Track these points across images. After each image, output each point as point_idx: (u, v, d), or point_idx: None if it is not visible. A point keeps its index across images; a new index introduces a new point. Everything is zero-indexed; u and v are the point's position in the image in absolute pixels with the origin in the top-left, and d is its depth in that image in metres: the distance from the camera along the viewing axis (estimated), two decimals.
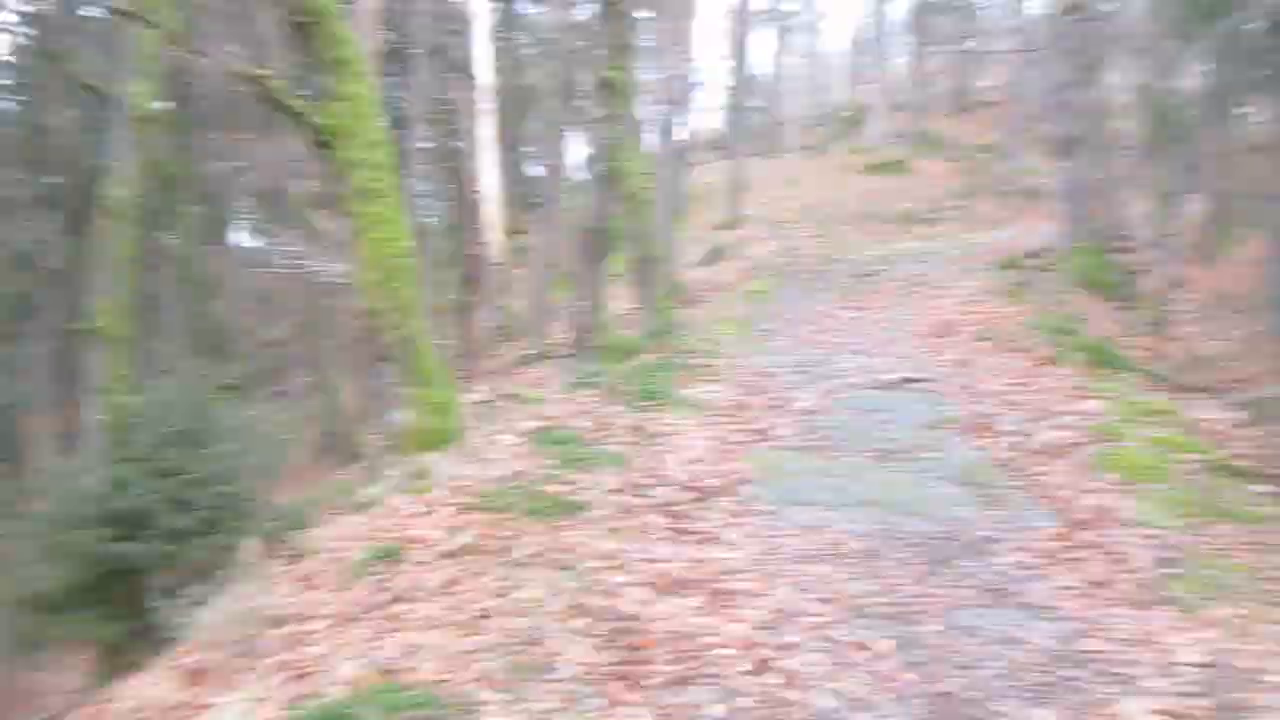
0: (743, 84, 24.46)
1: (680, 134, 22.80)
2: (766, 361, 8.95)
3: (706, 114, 46.24)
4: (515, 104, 28.27)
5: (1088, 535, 5.04)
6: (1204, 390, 8.15)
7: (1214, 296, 17.77)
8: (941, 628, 4.04)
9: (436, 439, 5.79)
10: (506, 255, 21.83)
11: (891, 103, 28.52)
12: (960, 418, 6.99)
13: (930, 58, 30.56)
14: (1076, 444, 6.31)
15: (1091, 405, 6.90)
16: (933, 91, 31.64)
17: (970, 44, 30.03)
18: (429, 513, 5.05)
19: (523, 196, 35.26)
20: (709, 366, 8.37)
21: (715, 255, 20.75)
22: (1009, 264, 14.05)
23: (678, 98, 17.82)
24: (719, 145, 35.29)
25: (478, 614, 3.95)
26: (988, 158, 27.46)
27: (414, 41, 15.47)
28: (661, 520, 5.11)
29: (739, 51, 25.37)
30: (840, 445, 6.48)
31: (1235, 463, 6.03)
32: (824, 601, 4.29)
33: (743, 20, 24.74)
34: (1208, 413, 7.14)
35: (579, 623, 3.88)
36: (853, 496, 5.52)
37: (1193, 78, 15.69)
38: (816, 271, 16.27)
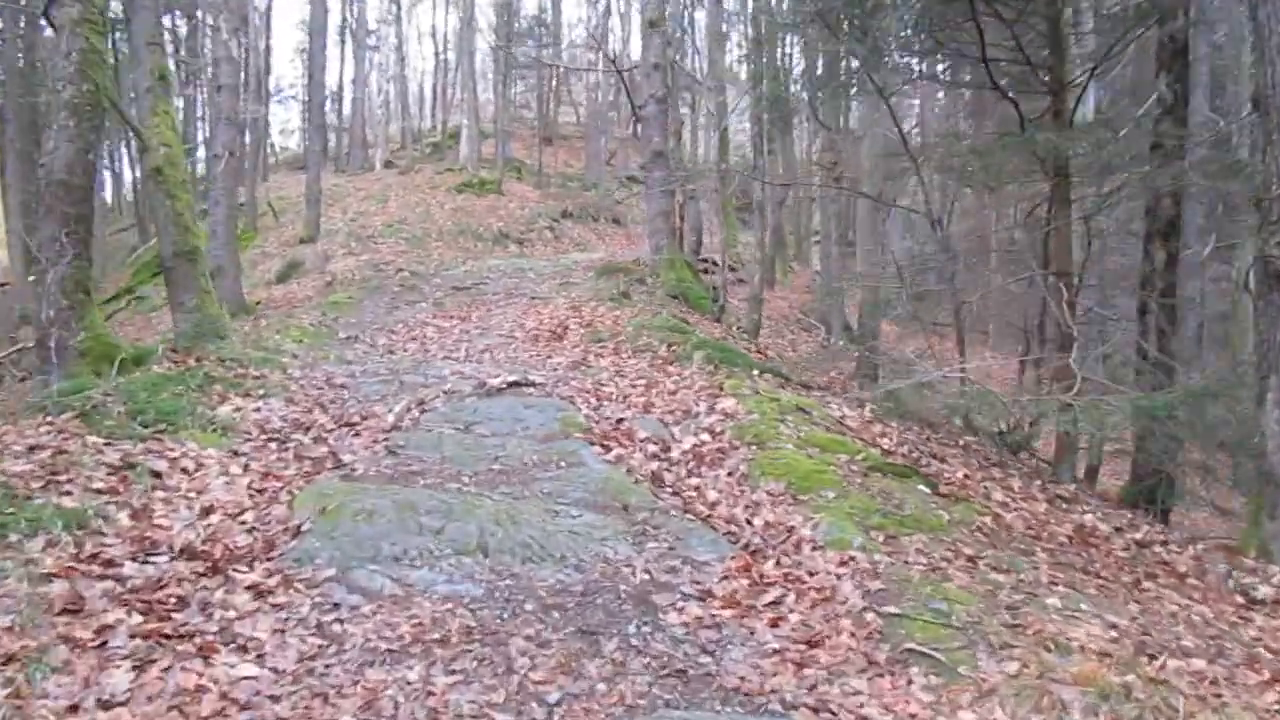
0: (318, 94, 21.69)
1: (246, 131, 19.66)
2: (341, 371, 6.78)
3: (285, 134, 42.24)
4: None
5: (773, 567, 3.64)
6: (825, 389, 7.45)
7: (778, 314, 18.61)
8: None
9: None
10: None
11: (479, 128, 27.30)
12: (586, 425, 5.41)
13: (516, 83, 29.97)
14: (726, 449, 5.01)
15: (730, 404, 5.71)
16: (519, 119, 31.17)
17: (555, 64, 29.52)
18: None
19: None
20: (259, 378, 6.01)
21: (292, 270, 17.86)
22: (606, 271, 13.16)
23: (232, 81, 14.81)
24: (299, 165, 31.84)
25: None
26: (574, 185, 27.37)
27: None
28: (133, 620, 2.84)
29: (315, 63, 22.60)
30: (437, 470, 4.57)
31: (889, 461, 5.09)
32: None
33: (318, 32, 21.98)
34: (840, 410, 6.29)
35: None
36: (457, 542, 3.64)
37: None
38: (408, 285, 14.23)
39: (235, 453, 4.58)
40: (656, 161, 14.21)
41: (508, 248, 20.29)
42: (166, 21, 30.98)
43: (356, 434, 5.06)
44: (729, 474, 4.69)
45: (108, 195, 32.97)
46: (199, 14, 22.22)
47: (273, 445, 4.79)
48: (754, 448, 4.99)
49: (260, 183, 25.61)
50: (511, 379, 6.08)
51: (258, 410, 5.22)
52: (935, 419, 6.86)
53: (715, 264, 16.69)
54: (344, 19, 31.99)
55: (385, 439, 4.98)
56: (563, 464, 4.73)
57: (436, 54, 35.24)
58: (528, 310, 10.78)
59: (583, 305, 10.42)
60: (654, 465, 4.78)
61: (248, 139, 26.87)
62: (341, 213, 21.53)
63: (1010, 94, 7.37)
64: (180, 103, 30.09)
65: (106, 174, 31.11)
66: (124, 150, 29.62)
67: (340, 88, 33.87)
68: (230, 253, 14.38)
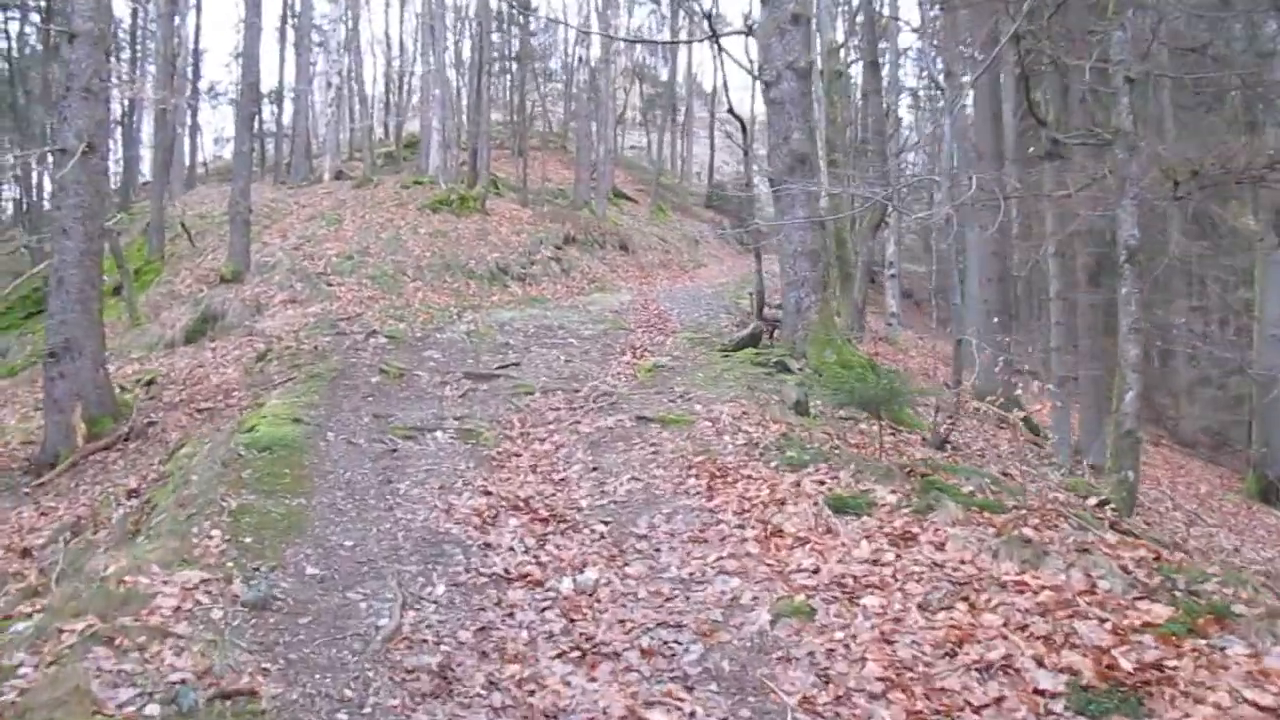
0: (251, 70, 14.74)
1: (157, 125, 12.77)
2: None
3: (220, 142, 34.64)
4: None
5: None
6: None
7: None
8: None
9: None
10: None
11: (446, 135, 20.51)
12: None
13: (491, 87, 23.26)
14: None
15: None
16: (491, 128, 24.45)
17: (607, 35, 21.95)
18: None
19: None
20: None
21: (207, 325, 11.13)
22: (701, 342, 7.06)
23: (93, 25, 8.05)
24: (230, 176, 24.34)
25: None
26: (562, 202, 21.00)
27: None
28: None
29: (249, 56, 15.62)
30: None
31: None
32: None
33: (253, 23, 15.00)
34: None
35: None
36: None
37: None
38: (392, 373, 7.83)
39: None
40: (799, 170, 8.11)
41: (508, 286, 13.89)
42: None
43: None
44: None
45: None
46: None
47: None
48: None
49: (177, 195, 18.49)
50: None
51: None
52: None
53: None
54: (284, 11, 24.78)
55: None
56: None
57: (388, 50, 28.28)
58: (701, 480, 4.52)
59: (794, 457, 4.25)
60: None
61: (144, 133, 19.44)
62: (281, 237, 14.76)
63: None
64: None
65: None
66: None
67: (281, 88, 26.65)
68: (87, 317, 7.70)
